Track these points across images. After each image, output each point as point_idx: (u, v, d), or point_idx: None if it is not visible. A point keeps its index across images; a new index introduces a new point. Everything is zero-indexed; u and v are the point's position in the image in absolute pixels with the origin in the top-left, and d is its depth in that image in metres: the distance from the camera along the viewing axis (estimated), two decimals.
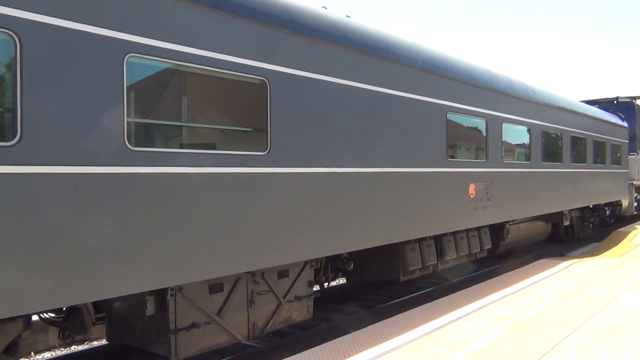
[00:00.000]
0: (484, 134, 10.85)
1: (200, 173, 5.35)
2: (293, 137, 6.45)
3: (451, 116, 9.74)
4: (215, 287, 5.84)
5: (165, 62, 5.15)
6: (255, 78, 6.01)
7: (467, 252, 10.71)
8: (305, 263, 6.96)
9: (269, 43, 6.15)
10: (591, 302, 8.61)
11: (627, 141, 21.67)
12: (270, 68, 6.14)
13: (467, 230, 10.74)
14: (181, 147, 5.31)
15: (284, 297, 6.67)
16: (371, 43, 7.79)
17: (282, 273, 6.66)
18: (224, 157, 5.62)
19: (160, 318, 5.44)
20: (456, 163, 9.81)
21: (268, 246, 6.10)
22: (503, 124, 11.55)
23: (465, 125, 10.52)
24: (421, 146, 8.89)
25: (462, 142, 10.47)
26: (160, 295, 5.41)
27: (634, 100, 24.21)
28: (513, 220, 12.67)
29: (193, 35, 5.32)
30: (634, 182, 22.45)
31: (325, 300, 10.72)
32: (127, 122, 4.78)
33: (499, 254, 13.13)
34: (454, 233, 10.32)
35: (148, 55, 4.97)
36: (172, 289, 5.40)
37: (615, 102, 23.35)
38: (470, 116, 10.40)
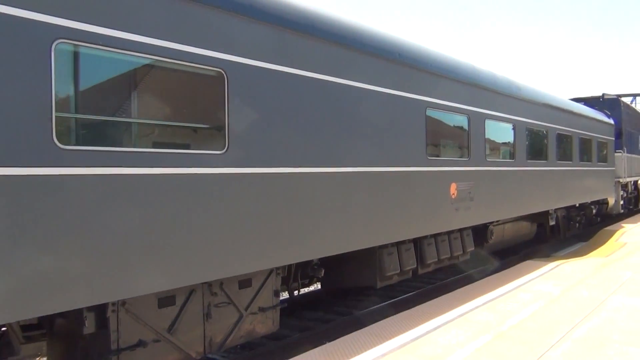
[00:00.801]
0: (466, 131, 10.38)
1: (146, 174, 4.80)
2: (255, 134, 5.91)
3: (431, 112, 9.25)
4: (165, 300, 5.29)
5: (103, 50, 4.59)
6: (210, 69, 5.47)
7: (449, 255, 10.24)
8: (271, 271, 6.43)
9: (226, 31, 5.61)
10: (578, 307, 8.17)
11: (613, 138, 21.38)
12: (227, 58, 5.60)
13: (448, 232, 10.27)
14: (122, 146, 4.75)
15: (246, 309, 6.13)
16: (343, 34, 7.27)
17: (244, 282, 6.12)
18: (173, 156, 5.07)
19: (103, 336, 4.89)
20: (436, 162, 9.33)
21: (227, 254, 5.56)
22: (486, 121, 11.09)
23: (446, 122, 10.05)
24: (398, 144, 8.40)
25: (442, 139, 9.99)
26: (101, 311, 4.86)
27: (619, 97, 23.98)
28: (497, 221, 12.23)
29: (135, 20, 4.76)
30: (621, 180, 22.18)
31: (300, 307, 10.20)
32: (56, 117, 4.22)
33: (483, 256, 12.70)
34: (435, 235, 9.84)
35: (82, 42, 4.41)
36: (113, 304, 4.85)
37: (601, 99, 23.08)
38: (452, 113, 9.93)
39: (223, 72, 5.56)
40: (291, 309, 10.01)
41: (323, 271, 7.54)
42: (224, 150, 5.56)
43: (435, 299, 8.77)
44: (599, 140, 19.34)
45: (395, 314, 8.33)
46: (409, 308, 8.65)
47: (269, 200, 6.04)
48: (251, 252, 5.83)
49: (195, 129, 5.47)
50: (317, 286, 11.03)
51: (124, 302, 4.93)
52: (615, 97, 23.48)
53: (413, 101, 8.73)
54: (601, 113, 20.74)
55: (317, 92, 6.78)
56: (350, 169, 7.34)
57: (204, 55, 5.35)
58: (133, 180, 4.72)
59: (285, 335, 8.57)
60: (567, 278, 10.41)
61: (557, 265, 11.76)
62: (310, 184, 6.63)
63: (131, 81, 4.92)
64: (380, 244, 8.17)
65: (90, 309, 4.80)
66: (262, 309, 6.31)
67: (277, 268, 6.54)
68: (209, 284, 5.71)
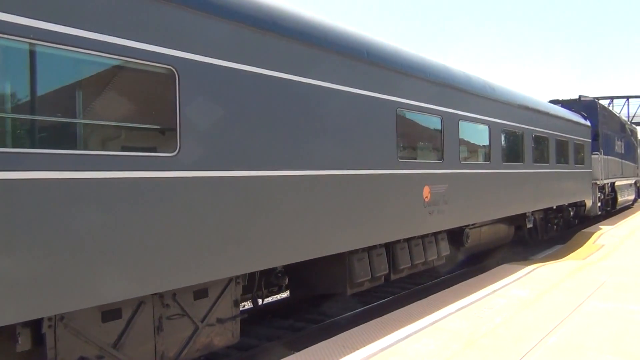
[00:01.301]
0: (440, 132, 10.15)
1: (85, 179, 4.44)
2: (211, 136, 5.58)
3: (402, 113, 8.99)
4: (110, 314, 4.92)
5: (33, 44, 4.22)
6: (159, 66, 5.12)
7: (424, 260, 9.98)
8: (230, 280, 6.09)
9: (176, 26, 5.27)
10: (553, 312, 7.95)
11: (590, 140, 21.40)
12: (178, 55, 5.26)
13: (422, 237, 10.01)
14: (56, 148, 4.37)
15: (202, 321, 5.77)
16: (307, 31, 6.98)
17: (200, 293, 5.77)
18: (115, 159, 4.71)
19: (39, 354, 4.50)
20: (408, 164, 9.07)
21: (180, 263, 5.21)
22: (460, 122, 10.88)
23: (418, 124, 9.80)
24: (368, 146, 8.12)
25: (414, 141, 9.75)
26: (37, 327, 4.48)
27: (596, 100, 24.07)
28: (473, 224, 12.02)
29: (71, 12, 4.40)
30: (598, 182, 22.21)
31: (271, 315, 9.85)
32: None
33: (460, 260, 12.48)
34: (408, 240, 9.58)
35: (3, 34, 4.03)
36: (49, 319, 4.47)
37: (578, 101, 23.12)
38: (424, 113, 9.69)
39: (173, 70, 5.22)
40: (261, 317, 9.67)
41: (287, 279, 7.21)
42: (175, 152, 5.21)
43: (407, 306, 8.49)
44: (576, 142, 19.31)
45: (367, 321, 8.04)
46: (382, 315, 8.36)
47: (226, 206, 5.70)
48: (207, 261, 5.48)
49: (141, 130, 5.12)
50: (287, 293, 10.68)
51: (62, 317, 4.55)
52: (592, 99, 23.55)
53: (383, 101, 8.46)
54: (578, 115, 20.75)
55: (279, 92, 6.47)
56: (316, 172, 7.04)
57: (150, 51, 5.01)
58: (71, 185, 4.35)
59: (252, 345, 8.22)
60: (543, 282, 10.21)
61: (534, 269, 11.57)
62: (272, 188, 6.30)
63: (67, 78, 4.55)
64: (350, 249, 7.88)
65: (25, 324, 4.42)
66: (220, 320, 5.96)
67: (237, 277, 6.20)
68: (160, 295, 5.34)
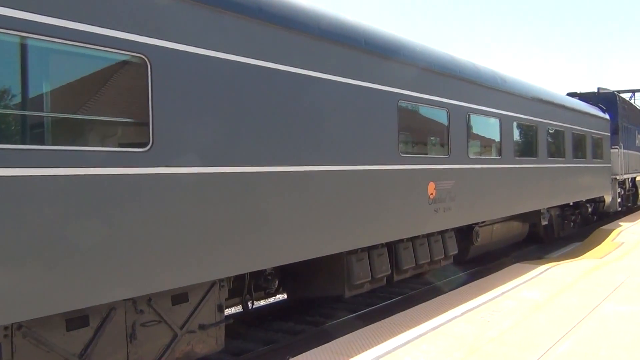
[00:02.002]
0: (446, 126, 9.66)
1: (39, 176, 4.08)
2: (188, 129, 5.20)
3: (404, 105, 8.53)
4: (76, 321, 4.57)
5: None
6: (129, 55, 4.75)
7: (429, 260, 9.51)
8: (213, 284, 5.71)
9: (148, 11, 4.89)
10: (565, 316, 7.44)
11: (609, 134, 20.64)
12: (150, 42, 4.88)
13: (428, 235, 9.55)
14: (15, 142, 4.02)
15: (182, 327, 5.40)
16: (297, 19, 6.56)
17: (179, 297, 5.40)
18: (80, 154, 4.35)
19: None
20: (411, 159, 8.61)
21: (155, 266, 4.85)
22: (468, 115, 10.37)
23: (422, 116, 9.33)
24: (366, 140, 7.68)
25: (418, 135, 9.28)
26: None
27: (616, 92, 23.23)
28: (483, 222, 11.50)
29: None
30: (617, 177, 21.42)
31: (271, 317, 9.48)
32: None
33: (469, 259, 11.97)
34: (412, 239, 9.12)
35: None
36: (5, 327, 4.13)
37: (596, 94, 22.34)
38: (428, 106, 9.20)
39: (145, 58, 4.84)
40: (261, 319, 9.30)
41: (277, 282, 6.82)
42: (148, 147, 4.84)
43: (410, 309, 8.04)
44: (594, 136, 18.60)
45: (368, 324, 7.62)
46: (383, 318, 7.93)
47: (208, 204, 5.32)
48: (186, 263, 5.11)
49: (110, 124, 4.76)
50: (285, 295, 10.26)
51: (19, 326, 4.22)
52: (611, 91, 22.73)
53: (383, 93, 8.01)
54: (596, 108, 20.01)
55: (267, 82, 6.06)
56: (309, 167, 6.63)
57: (118, 38, 4.64)
58: (35, 182, 4.00)
59: (246, 350, 7.85)
60: (556, 283, 9.68)
61: (548, 269, 11.02)
62: (259, 185, 5.90)
63: (25, 68, 4.20)
64: (348, 249, 7.45)
65: None
66: (202, 327, 5.59)
67: (221, 280, 5.83)
68: (133, 301, 4.99)
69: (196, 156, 5.23)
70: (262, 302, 10.41)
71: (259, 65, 5.91)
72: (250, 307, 6.56)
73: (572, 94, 21.94)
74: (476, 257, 12.92)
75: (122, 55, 4.70)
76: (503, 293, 8.94)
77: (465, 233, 11.24)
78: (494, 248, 13.43)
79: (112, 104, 4.82)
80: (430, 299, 8.99)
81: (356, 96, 7.49)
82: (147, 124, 4.85)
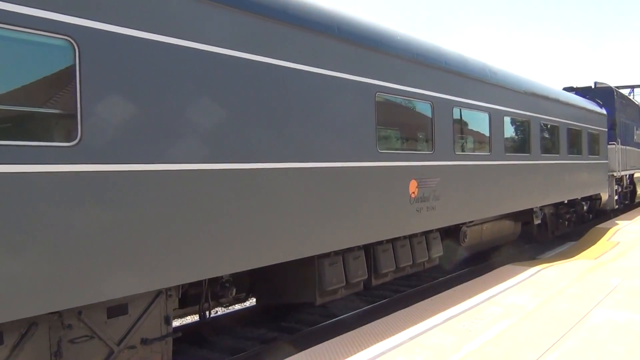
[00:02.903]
0: (430, 120, 9.10)
1: None
2: (125, 121, 4.63)
3: (382, 98, 7.96)
4: None
5: None
6: (52, 37, 4.18)
7: (411, 263, 8.96)
8: (158, 293, 5.16)
9: None
10: (553, 324, 6.90)
11: (606, 129, 20.07)
12: (78, 24, 4.31)
13: (410, 237, 8.99)
14: None
15: (120, 343, 4.85)
16: (258, 1, 5.98)
17: (116, 309, 4.85)
18: None
19: None
20: (390, 156, 8.05)
21: (83, 276, 4.29)
22: (455, 109, 9.81)
23: (403, 110, 8.77)
24: (340, 135, 7.13)
25: (398, 130, 8.72)
26: None
27: (613, 87, 22.65)
28: (471, 222, 10.95)
29: None
30: (614, 174, 20.87)
31: (242, 324, 8.93)
32: None
33: (457, 260, 11.43)
34: (393, 241, 8.57)
35: None
36: None
37: (593, 88, 21.77)
38: (410, 99, 8.64)
39: (72, 42, 4.27)
40: (231, 325, 8.75)
41: (234, 290, 6.26)
42: (75, 142, 4.28)
43: (389, 316, 7.48)
44: (590, 131, 18.04)
45: (341, 332, 7.07)
46: (363, 324, 7.38)
47: (147, 206, 4.76)
48: (122, 272, 4.55)
49: (29, 115, 4.19)
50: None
51: None
52: (608, 86, 22.16)
53: (359, 85, 7.45)
54: (593, 103, 19.44)
55: (220, 70, 5.49)
56: (271, 164, 6.06)
57: (40, 17, 4.07)
58: None
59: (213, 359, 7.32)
60: (546, 286, 9.13)
61: (539, 271, 10.48)
62: (210, 184, 5.34)
63: None
64: (319, 253, 6.90)
65: None
66: (145, 341, 5.04)
67: (168, 289, 5.28)
68: (59, 314, 4.43)
69: (133, 152, 4.66)
70: (237, 307, 9.88)
71: (207, 51, 5.34)
72: (207, 317, 6.02)
73: (568, 89, 21.36)
74: (465, 258, 12.39)
75: (45, 37, 4.13)
76: (489, 298, 8.40)
77: (452, 233, 10.70)
78: (484, 248, 12.88)
79: (35, 93, 4.25)
80: (413, 303, 8.45)
81: (327, 87, 6.93)
82: (75, 116, 4.29)
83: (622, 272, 10.20)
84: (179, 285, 5.43)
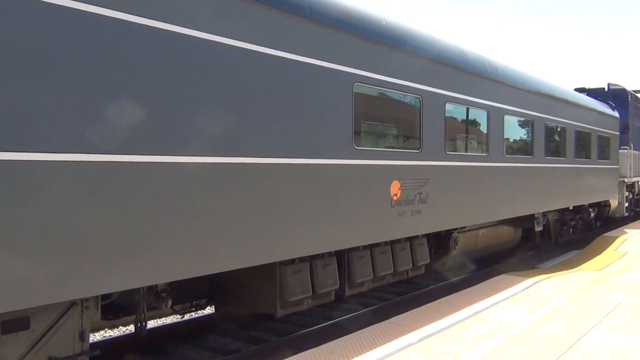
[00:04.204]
0: (417, 116, 8.30)
1: None
2: (15, 100, 3.90)
3: (362, 90, 7.19)
4: None
5: None
6: None
7: (392, 271, 8.18)
8: (71, 305, 4.46)
9: None
10: (544, 348, 6.12)
11: (618, 133, 19.10)
12: None
13: (393, 242, 8.22)
14: None
15: None
16: None
17: (15, 323, 4.14)
18: None
19: None
20: (369, 153, 7.28)
21: None
22: (447, 105, 9.00)
23: (387, 104, 7.99)
24: (309, 129, 6.37)
25: (380, 125, 7.94)
26: None
27: (627, 89, 21.62)
28: (463, 228, 10.14)
29: None
30: (625, 180, 19.87)
31: (207, 331, 8.23)
32: None
33: (448, 268, 10.63)
34: (372, 247, 7.80)
35: None
36: None
37: (606, 89, 20.76)
38: (395, 91, 7.85)
39: None
40: (196, 334, 8.05)
41: (170, 302, 5.53)
42: None
43: (354, 333, 6.71)
44: (600, 134, 17.10)
45: (314, 346, 6.32)
46: (328, 340, 6.63)
47: (53, 203, 4.04)
48: (19, 282, 3.84)
49: None
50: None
51: None
52: (622, 87, 21.12)
53: (333, 73, 6.68)
54: (605, 104, 18.47)
55: (156, 47, 4.75)
56: (218, 159, 5.32)
57: None
58: None
59: None
60: (542, 301, 8.33)
61: (535, 283, 9.66)
62: (133, 179, 4.61)
63: None
64: (279, 259, 6.16)
65: None
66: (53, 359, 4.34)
67: (85, 300, 4.57)
68: None
69: (26, 138, 3.93)
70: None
71: (134, 23, 4.58)
72: (143, 329, 5.31)
73: (580, 89, 20.39)
74: (459, 265, 11.59)
75: None
76: (475, 313, 7.61)
77: (443, 240, 9.90)
78: (480, 256, 12.06)
79: None
80: (394, 315, 7.69)
81: (298, 75, 6.17)
82: None
83: (627, 287, 9.36)
84: (98, 296, 4.72)
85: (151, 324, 8.86)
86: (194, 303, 7.13)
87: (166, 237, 4.77)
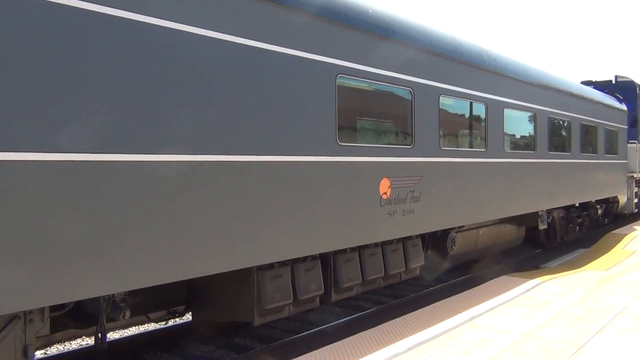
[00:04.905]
0: (409, 110, 7.85)
1: None
2: None
3: (346, 82, 6.75)
4: None
5: None
6: None
7: (383, 274, 7.74)
8: (12, 318, 4.06)
9: None
10: (542, 357, 5.66)
11: (626, 127, 18.50)
12: None
13: (383, 244, 7.77)
14: None
15: None
16: None
17: None
18: None
19: None
20: (354, 150, 6.84)
21: None
22: (442, 98, 8.54)
23: (375, 97, 7.55)
24: (288, 124, 5.95)
25: (367, 120, 7.50)
26: None
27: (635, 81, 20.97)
28: (461, 227, 9.67)
29: None
30: (635, 175, 19.26)
31: (189, 338, 7.83)
32: None
33: (445, 270, 10.17)
34: (360, 249, 7.36)
35: None
36: None
37: (613, 82, 20.14)
38: (384, 84, 7.41)
39: None
40: (177, 341, 7.66)
41: (128, 312, 5.12)
42: None
43: (338, 342, 6.27)
44: (608, 128, 16.53)
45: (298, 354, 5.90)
46: (314, 349, 6.21)
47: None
48: None
49: None
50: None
51: None
52: (630, 80, 20.49)
53: (314, 64, 6.24)
54: (612, 97, 17.88)
55: (128, 40, 4.35)
56: (185, 157, 4.91)
57: None
58: None
59: None
60: (543, 305, 7.86)
61: (538, 284, 9.18)
62: (91, 179, 4.21)
63: None
64: (255, 264, 5.74)
65: None
66: None
67: (29, 312, 4.18)
68: None
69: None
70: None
71: (79, 8, 4.17)
72: (101, 340, 4.91)
73: (586, 82, 19.80)
74: (459, 266, 11.11)
75: None
76: (471, 319, 7.16)
77: (440, 240, 9.45)
78: (481, 256, 11.58)
79: None
80: (383, 321, 7.25)
81: (275, 66, 5.74)
82: None
83: (635, 289, 8.86)
84: (44, 308, 4.33)
85: (132, 330, 8.49)
86: (171, 310, 6.73)
87: (119, 243, 4.36)
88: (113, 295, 4.80)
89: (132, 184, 4.47)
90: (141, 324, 8.56)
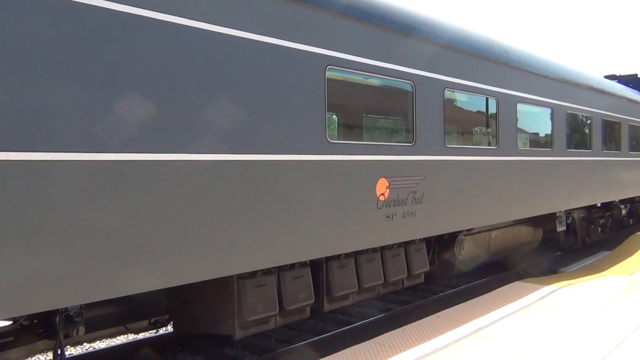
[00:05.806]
0: (409, 105, 7.31)
1: None
2: None
3: (337, 75, 6.25)
4: None
5: None
6: None
7: (382, 281, 7.21)
8: None
9: None
10: None
11: None
12: None
13: (382, 249, 7.25)
14: None
15: None
16: None
17: None
18: None
19: None
20: (347, 147, 6.33)
21: None
22: (447, 92, 7.97)
23: (370, 91, 7.04)
24: (273, 120, 5.47)
25: (361, 116, 6.98)
26: None
27: None
28: (470, 230, 9.07)
29: None
30: None
31: (178, 348, 7.40)
32: None
33: (455, 275, 9.58)
34: (357, 254, 6.85)
35: None
36: None
37: (638, 75, 19.22)
38: (380, 76, 6.88)
39: None
40: (162, 350, 7.24)
41: (83, 328, 4.69)
42: None
43: (331, 356, 5.77)
44: (633, 124, 15.69)
45: None
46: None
47: None
48: None
49: None
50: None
51: None
52: None
53: (301, 55, 5.76)
54: (636, 92, 17.01)
55: (97, 29, 3.93)
56: (162, 155, 4.48)
57: None
58: None
59: None
60: (557, 314, 7.24)
61: (553, 291, 8.55)
62: (52, 179, 3.80)
63: None
64: (236, 272, 5.27)
65: None
66: None
67: None
68: None
69: None
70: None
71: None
72: (61, 357, 4.51)
73: (610, 77, 18.95)
74: (474, 270, 10.49)
75: None
76: (477, 330, 6.59)
77: (447, 243, 8.87)
78: (495, 259, 10.94)
79: None
80: (382, 333, 6.73)
81: (259, 57, 5.28)
82: None
83: None
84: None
85: (120, 339, 8.10)
86: (152, 320, 6.32)
87: (70, 251, 3.94)
88: (66, 309, 4.39)
89: (80, 184, 4.04)
90: (125, 334, 8.16)
